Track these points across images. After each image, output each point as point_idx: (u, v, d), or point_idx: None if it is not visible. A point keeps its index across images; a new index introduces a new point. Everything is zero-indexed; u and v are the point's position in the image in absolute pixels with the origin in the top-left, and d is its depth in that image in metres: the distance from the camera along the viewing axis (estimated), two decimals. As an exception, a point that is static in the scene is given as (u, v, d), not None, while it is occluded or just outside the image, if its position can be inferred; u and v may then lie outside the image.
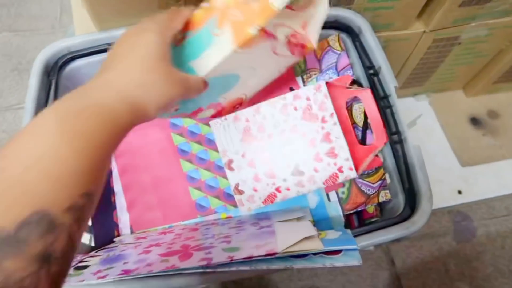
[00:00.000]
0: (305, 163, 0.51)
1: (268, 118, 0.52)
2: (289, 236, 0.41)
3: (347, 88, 0.52)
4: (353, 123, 0.56)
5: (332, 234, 0.43)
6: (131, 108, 0.28)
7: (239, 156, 0.53)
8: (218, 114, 0.52)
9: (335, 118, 0.50)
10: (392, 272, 0.81)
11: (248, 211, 0.53)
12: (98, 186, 0.25)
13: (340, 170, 0.49)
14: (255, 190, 0.52)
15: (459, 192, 0.87)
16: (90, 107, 0.25)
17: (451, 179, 0.88)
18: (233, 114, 0.53)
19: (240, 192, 0.53)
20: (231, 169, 0.54)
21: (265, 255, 0.38)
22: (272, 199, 0.52)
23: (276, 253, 0.38)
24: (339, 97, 0.52)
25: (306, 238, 0.40)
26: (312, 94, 0.51)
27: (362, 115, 0.55)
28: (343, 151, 0.49)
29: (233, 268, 0.39)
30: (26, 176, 0.22)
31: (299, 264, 0.39)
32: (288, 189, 0.51)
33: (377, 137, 0.51)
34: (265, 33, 0.40)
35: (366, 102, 0.51)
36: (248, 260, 0.38)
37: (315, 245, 0.39)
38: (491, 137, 0.92)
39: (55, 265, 0.21)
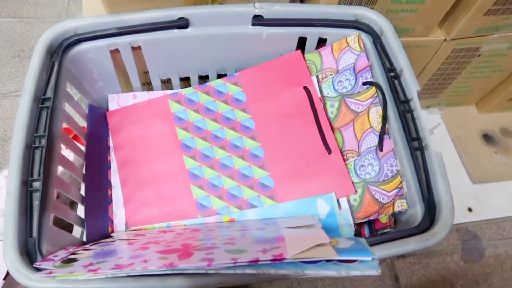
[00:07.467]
0: None
1: None
2: (299, 242, 0.37)
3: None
4: (370, 127, 0.53)
5: (344, 243, 0.40)
6: None
7: None
8: None
9: None
10: (396, 289, 0.77)
11: None
12: None
13: None
14: None
15: (469, 209, 0.84)
16: None
17: (461, 195, 0.84)
18: None
19: None
20: None
21: (272, 260, 0.34)
22: None
23: (285, 258, 0.34)
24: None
25: (318, 245, 0.37)
26: None
27: (380, 119, 0.52)
28: None
29: (238, 271, 0.35)
30: None
31: (310, 270, 0.35)
32: None
33: None
34: None
35: None
36: (255, 263, 0.35)
37: (328, 253, 0.35)
38: (504, 155, 0.89)
39: None
